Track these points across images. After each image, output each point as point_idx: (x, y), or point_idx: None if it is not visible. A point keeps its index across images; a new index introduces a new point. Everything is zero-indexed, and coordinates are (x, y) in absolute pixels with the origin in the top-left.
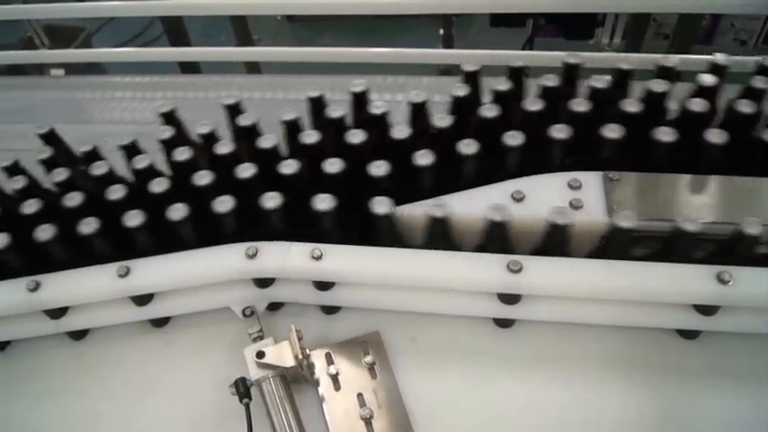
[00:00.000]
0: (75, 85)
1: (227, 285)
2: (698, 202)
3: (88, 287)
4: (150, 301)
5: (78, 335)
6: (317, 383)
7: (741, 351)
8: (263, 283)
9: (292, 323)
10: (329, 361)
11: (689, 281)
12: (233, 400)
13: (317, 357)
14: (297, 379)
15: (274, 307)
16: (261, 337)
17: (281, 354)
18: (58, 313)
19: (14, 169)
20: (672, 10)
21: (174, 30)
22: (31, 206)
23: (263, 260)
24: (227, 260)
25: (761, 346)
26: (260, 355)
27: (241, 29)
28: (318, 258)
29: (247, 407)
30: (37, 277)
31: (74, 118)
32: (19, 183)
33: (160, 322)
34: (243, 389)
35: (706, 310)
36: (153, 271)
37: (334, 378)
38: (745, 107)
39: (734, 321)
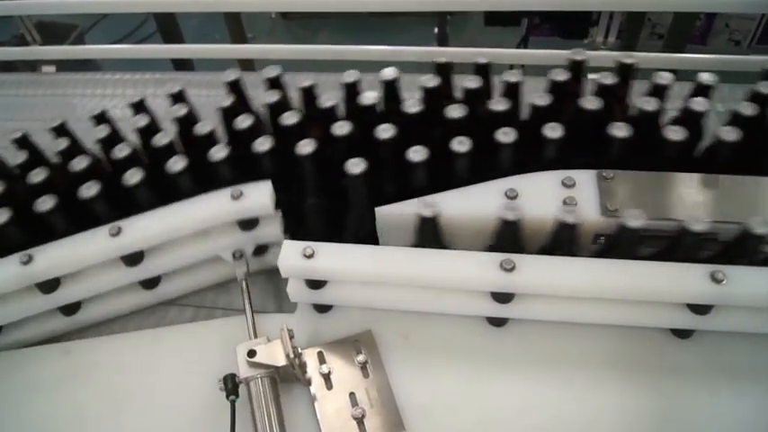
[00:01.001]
0: (67, 82)
1: (215, 234)
2: (691, 201)
3: (82, 251)
4: (142, 260)
5: (71, 309)
6: (308, 382)
7: (735, 350)
8: (249, 225)
9: (284, 322)
10: (321, 360)
11: (682, 280)
12: (221, 400)
13: (309, 356)
14: (288, 378)
15: (260, 251)
16: (248, 279)
17: (273, 353)
18: (51, 286)
19: None
20: (667, 8)
21: (168, 27)
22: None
23: (247, 201)
24: (214, 204)
25: (754, 344)
26: (251, 353)
27: (235, 26)
28: (310, 257)
29: (233, 404)
30: (29, 251)
31: (66, 115)
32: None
33: (151, 283)
34: (231, 385)
35: (700, 309)
36: (144, 226)
37: (326, 377)
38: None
39: (727, 320)
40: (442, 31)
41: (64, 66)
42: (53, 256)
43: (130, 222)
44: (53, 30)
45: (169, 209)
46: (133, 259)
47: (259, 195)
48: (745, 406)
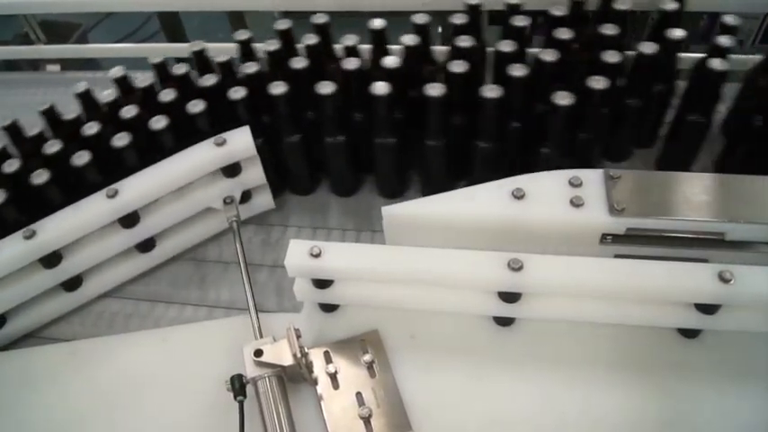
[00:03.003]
0: (72, 81)
1: (203, 187)
2: (698, 200)
3: (83, 218)
4: (138, 221)
5: (72, 284)
6: (315, 382)
7: (742, 349)
8: (233, 171)
9: (290, 322)
10: (328, 359)
11: (690, 280)
12: (229, 400)
13: (316, 356)
14: (295, 378)
15: (245, 198)
16: (238, 221)
17: (280, 352)
18: (54, 260)
19: None
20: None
21: (171, 26)
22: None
23: (230, 146)
24: (200, 154)
25: (762, 344)
26: (258, 353)
27: (238, 25)
28: (317, 256)
29: (241, 404)
30: (30, 226)
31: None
32: None
33: (146, 246)
34: (238, 385)
35: (707, 308)
36: (138, 184)
37: (333, 377)
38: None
39: (735, 320)
40: (445, 31)
41: (67, 65)
42: (55, 227)
43: (125, 183)
44: (57, 28)
45: (158, 166)
46: (130, 221)
47: (240, 139)
48: (753, 405)
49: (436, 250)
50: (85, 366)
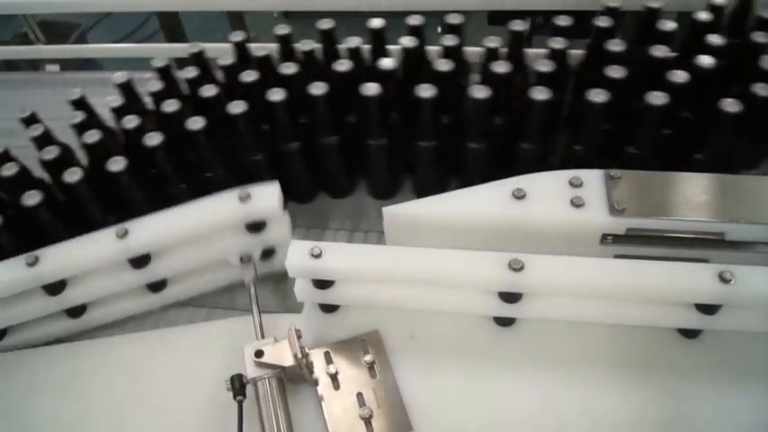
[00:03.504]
0: (71, 81)
1: (222, 237)
2: (699, 201)
3: (89, 253)
4: (148, 262)
5: (77, 312)
6: (315, 383)
7: (742, 349)
8: (256, 227)
9: (291, 322)
10: (328, 360)
11: (690, 280)
12: (229, 401)
13: (316, 356)
14: (296, 378)
15: (267, 254)
16: (256, 284)
17: (280, 353)
18: (57, 288)
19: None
20: (669, 8)
21: (170, 26)
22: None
23: (255, 203)
24: (221, 207)
25: (762, 344)
26: (259, 354)
27: (238, 25)
28: (318, 256)
29: (240, 404)
30: (35, 252)
31: (69, 114)
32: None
33: (158, 286)
34: (238, 385)
35: (707, 308)
36: (151, 228)
37: (334, 377)
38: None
39: (735, 320)
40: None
41: (66, 64)
42: (59, 258)
43: (137, 224)
44: (56, 28)
45: (176, 211)
46: (140, 262)
47: (266, 197)
48: (753, 406)
49: (437, 250)
50: (86, 367)
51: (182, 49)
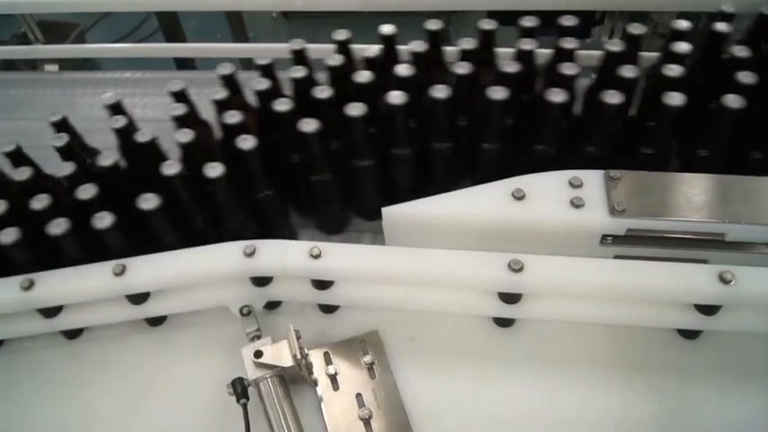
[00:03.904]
0: (70, 81)
1: (224, 284)
2: (698, 201)
3: (83, 285)
4: (146, 299)
5: (73, 334)
6: (315, 383)
7: (742, 350)
8: (261, 281)
9: (290, 322)
10: (328, 361)
11: (690, 281)
12: (231, 400)
13: (316, 357)
14: (295, 379)
15: (272, 306)
16: (258, 336)
17: (280, 353)
18: (52, 312)
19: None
20: (669, 8)
21: (170, 26)
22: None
23: (260, 258)
24: (224, 258)
25: (762, 344)
26: (258, 354)
27: (237, 25)
28: (317, 257)
29: (245, 407)
30: (31, 275)
31: (68, 114)
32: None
33: (156, 321)
34: (240, 389)
35: (707, 309)
36: (149, 269)
37: (333, 378)
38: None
39: (735, 321)
40: (444, 30)
41: (64, 64)
42: (54, 285)
43: (135, 262)
44: (55, 28)
45: (177, 254)
46: (138, 298)
47: (271, 253)
48: (753, 406)
49: (436, 251)
50: (88, 369)
51: (180, 49)
